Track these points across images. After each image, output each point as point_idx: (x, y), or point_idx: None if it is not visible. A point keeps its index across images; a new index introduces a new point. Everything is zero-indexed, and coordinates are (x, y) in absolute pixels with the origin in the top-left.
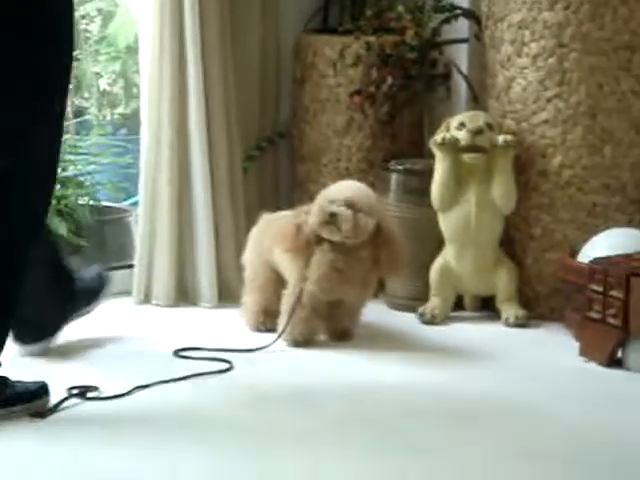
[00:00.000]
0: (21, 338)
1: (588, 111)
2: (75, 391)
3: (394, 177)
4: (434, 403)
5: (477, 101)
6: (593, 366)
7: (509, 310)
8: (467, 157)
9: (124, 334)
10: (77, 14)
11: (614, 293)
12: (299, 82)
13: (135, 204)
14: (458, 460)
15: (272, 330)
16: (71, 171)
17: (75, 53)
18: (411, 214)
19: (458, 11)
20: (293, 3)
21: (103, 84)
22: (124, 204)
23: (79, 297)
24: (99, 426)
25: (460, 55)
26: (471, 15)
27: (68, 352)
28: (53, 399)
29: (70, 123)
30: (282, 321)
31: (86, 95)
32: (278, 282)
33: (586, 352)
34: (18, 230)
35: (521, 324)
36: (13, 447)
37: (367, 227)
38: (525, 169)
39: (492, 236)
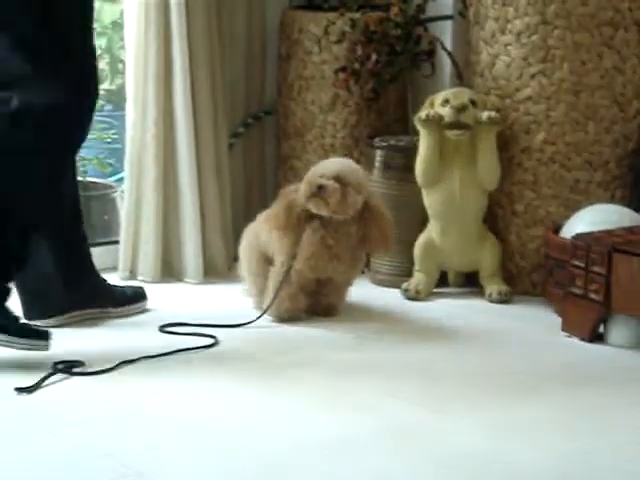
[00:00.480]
0: (27, 313)
1: (571, 88)
2: (61, 366)
3: (379, 153)
4: (418, 380)
5: (461, 78)
6: (575, 341)
7: (492, 286)
8: (451, 134)
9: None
10: None
11: (596, 269)
12: (284, 59)
13: (121, 180)
14: (442, 438)
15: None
16: None
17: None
18: (395, 190)
19: None
20: None
21: None
22: (110, 180)
23: (104, 294)
24: (84, 401)
25: (444, 32)
26: None
27: (53, 327)
28: (38, 374)
29: None
30: (268, 297)
31: None
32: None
33: (568, 327)
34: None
35: (504, 300)
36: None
37: (355, 202)
38: (509, 145)
39: (476, 212)
